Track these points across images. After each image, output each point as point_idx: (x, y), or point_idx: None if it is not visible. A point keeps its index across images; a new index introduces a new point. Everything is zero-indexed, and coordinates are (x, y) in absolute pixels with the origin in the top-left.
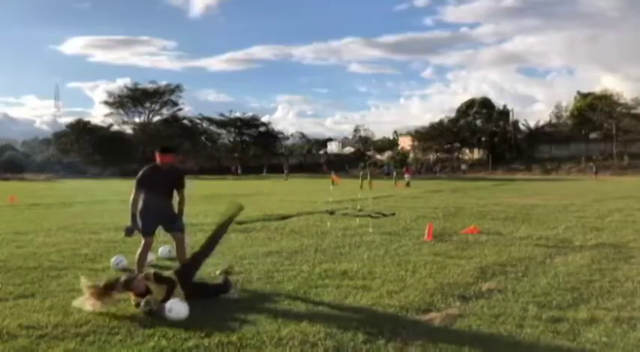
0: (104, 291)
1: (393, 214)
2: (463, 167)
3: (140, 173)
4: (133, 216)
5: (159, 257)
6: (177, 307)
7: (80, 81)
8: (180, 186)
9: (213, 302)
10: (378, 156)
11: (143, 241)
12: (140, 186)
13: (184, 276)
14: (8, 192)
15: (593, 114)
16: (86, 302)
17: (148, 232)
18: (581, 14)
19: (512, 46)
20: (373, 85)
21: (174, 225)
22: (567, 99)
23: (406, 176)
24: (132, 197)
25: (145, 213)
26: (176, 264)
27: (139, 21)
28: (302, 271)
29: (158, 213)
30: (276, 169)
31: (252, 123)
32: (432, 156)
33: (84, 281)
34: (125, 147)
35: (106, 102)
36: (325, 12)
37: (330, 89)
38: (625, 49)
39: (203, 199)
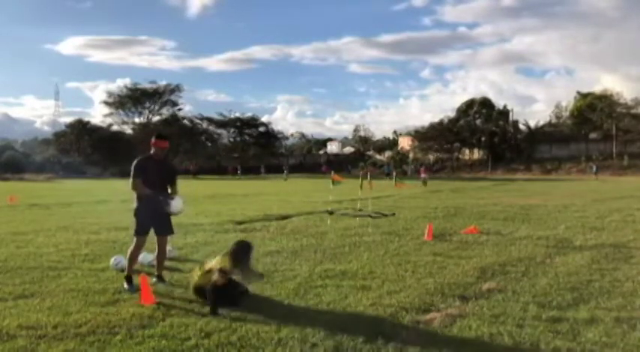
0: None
1: (393, 214)
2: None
3: (135, 161)
4: (150, 193)
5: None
6: (177, 200)
7: (79, 81)
8: (173, 183)
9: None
10: (378, 156)
11: (135, 240)
12: (137, 171)
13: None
14: (8, 192)
15: (593, 114)
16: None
17: (143, 231)
18: (581, 14)
19: (511, 46)
20: (372, 85)
21: (166, 227)
22: (567, 99)
23: (423, 176)
24: (131, 182)
25: (142, 211)
26: (176, 264)
27: (137, 21)
28: (302, 271)
29: (154, 211)
30: (275, 169)
31: (251, 123)
32: (431, 156)
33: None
34: (125, 148)
35: (106, 103)
36: (324, 12)
37: (330, 89)
38: (625, 49)
39: (203, 199)
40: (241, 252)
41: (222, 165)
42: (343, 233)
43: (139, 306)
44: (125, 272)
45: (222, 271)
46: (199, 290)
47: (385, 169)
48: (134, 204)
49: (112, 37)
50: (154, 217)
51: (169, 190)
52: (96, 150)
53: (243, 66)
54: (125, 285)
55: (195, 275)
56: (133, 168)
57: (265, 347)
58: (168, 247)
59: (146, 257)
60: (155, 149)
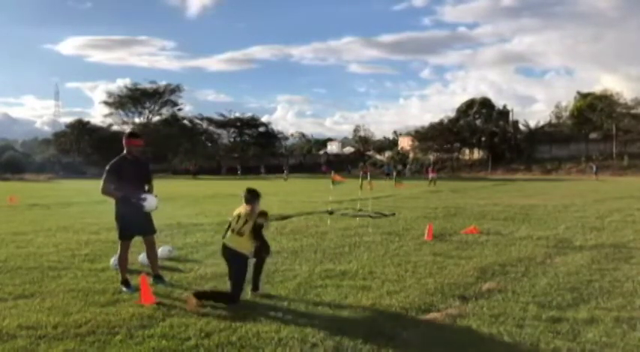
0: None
1: (393, 214)
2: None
3: (109, 164)
4: (122, 196)
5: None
6: (150, 199)
7: (79, 81)
8: (149, 180)
9: (214, 303)
10: (378, 156)
11: (120, 244)
12: (110, 175)
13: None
14: (8, 192)
15: (593, 114)
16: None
17: (127, 235)
18: (581, 14)
19: (511, 46)
20: (372, 85)
21: (148, 228)
22: (567, 99)
23: (431, 175)
24: (102, 186)
25: (123, 214)
26: (176, 264)
27: (137, 21)
28: (302, 271)
29: (135, 213)
30: (275, 169)
31: (251, 123)
32: (432, 156)
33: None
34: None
35: (106, 103)
36: (324, 12)
37: (330, 89)
38: (625, 49)
39: (203, 199)
40: (251, 198)
41: (222, 165)
42: (343, 233)
43: (139, 306)
44: (120, 278)
45: (260, 215)
46: (205, 293)
47: (385, 169)
48: (114, 208)
49: (112, 37)
50: (135, 220)
51: (146, 188)
52: (96, 151)
53: (243, 66)
54: (123, 288)
55: (235, 241)
56: (105, 171)
57: (265, 347)
58: (168, 247)
59: (146, 257)
60: (128, 148)
